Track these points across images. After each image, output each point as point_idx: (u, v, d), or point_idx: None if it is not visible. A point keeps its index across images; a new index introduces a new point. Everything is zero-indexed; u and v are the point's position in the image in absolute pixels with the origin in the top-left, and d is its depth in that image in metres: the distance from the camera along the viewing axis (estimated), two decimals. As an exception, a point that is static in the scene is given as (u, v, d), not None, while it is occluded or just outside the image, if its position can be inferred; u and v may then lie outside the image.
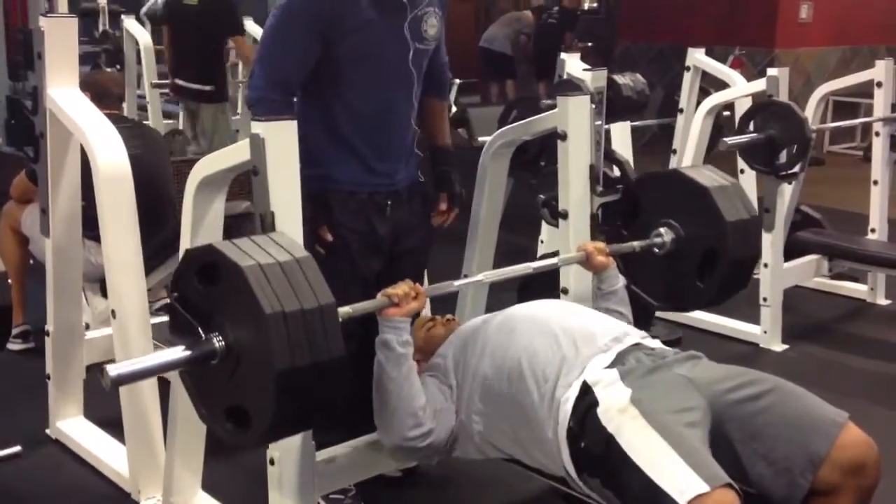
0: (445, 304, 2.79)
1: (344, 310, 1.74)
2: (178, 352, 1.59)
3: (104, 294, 2.92)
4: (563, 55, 4.51)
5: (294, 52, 2.24)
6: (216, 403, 1.63)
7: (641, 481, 1.64)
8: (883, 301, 4.38)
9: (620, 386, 1.80)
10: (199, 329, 1.58)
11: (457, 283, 2.16)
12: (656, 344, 2.02)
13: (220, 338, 1.57)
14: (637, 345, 1.96)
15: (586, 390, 1.83)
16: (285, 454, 1.92)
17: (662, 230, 2.34)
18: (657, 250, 2.35)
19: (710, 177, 2.34)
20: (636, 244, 2.35)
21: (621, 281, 2.30)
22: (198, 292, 1.61)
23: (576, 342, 1.93)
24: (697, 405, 1.78)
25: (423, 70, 2.39)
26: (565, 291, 2.44)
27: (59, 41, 2.50)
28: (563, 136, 2.45)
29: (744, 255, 2.34)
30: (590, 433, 1.78)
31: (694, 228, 2.32)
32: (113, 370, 1.53)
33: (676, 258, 2.34)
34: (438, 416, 2.00)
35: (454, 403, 2.03)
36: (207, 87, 5.29)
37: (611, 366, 1.88)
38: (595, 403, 1.80)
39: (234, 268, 1.52)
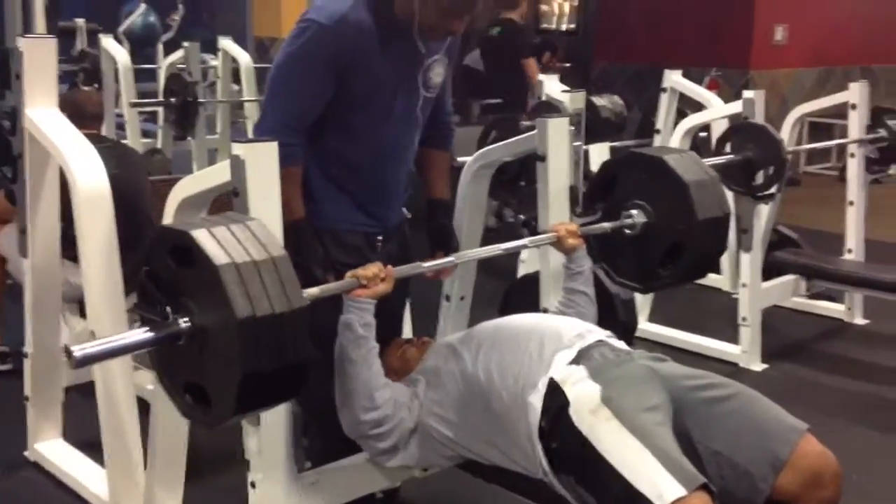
0: (426, 323, 2.79)
1: (311, 291, 1.74)
2: (144, 332, 1.58)
3: (83, 315, 2.90)
4: (541, 76, 4.56)
5: (309, 94, 2.13)
6: (177, 378, 1.63)
7: (619, 484, 1.65)
8: (860, 321, 4.42)
9: (589, 383, 1.81)
10: (168, 308, 1.57)
11: (426, 264, 2.14)
12: (621, 344, 2.04)
13: (187, 320, 1.56)
14: (601, 341, 1.98)
15: (554, 388, 1.84)
16: (267, 477, 1.91)
17: (634, 212, 2.34)
18: (628, 231, 2.36)
19: (692, 168, 2.33)
20: (607, 225, 2.36)
21: (588, 262, 2.34)
22: (169, 270, 1.58)
23: (542, 341, 1.95)
24: (662, 402, 1.80)
25: (426, 118, 2.33)
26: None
27: (38, 62, 2.49)
28: (543, 158, 2.46)
29: (710, 251, 2.38)
30: (562, 434, 1.79)
31: (666, 217, 2.32)
32: (78, 350, 1.51)
33: (644, 241, 2.36)
34: (398, 408, 2.01)
35: (418, 410, 2.04)
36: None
37: (575, 361, 1.89)
38: (566, 403, 1.80)
39: (210, 264, 1.49)
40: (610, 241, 2.40)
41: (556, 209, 2.44)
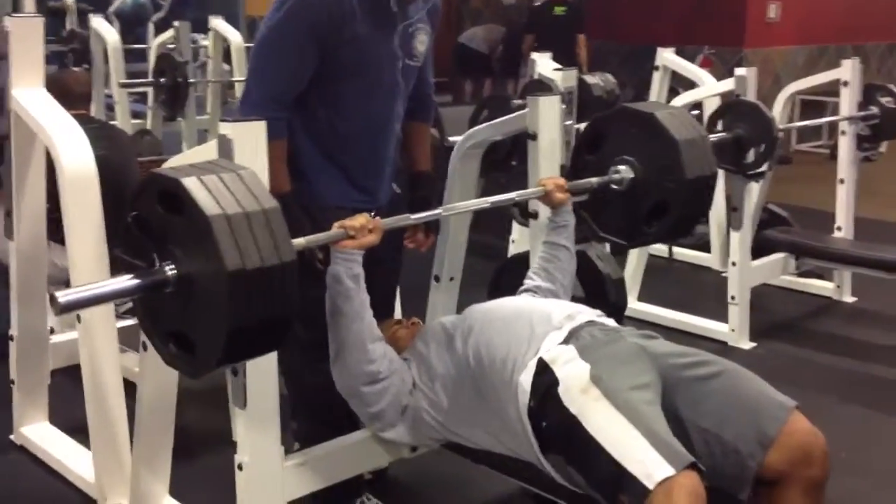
0: (417, 303, 2.78)
1: (298, 241, 1.73)
2: (129, 279, 1.56)
3: (70, 297, 2.88)
4: (533, 55, 4.54)
5: (292, 66, 2.15)
6: (162, 326, 1.62)
7: (607, 464, 1.66)
8: (849, 298, 4.42)
9: (579, 362, 1.82)
10: (154, 255, 1.55)
11: (413, 216, 2.12)
12: (610, 322, 2.04)
13: (174, 268, 1.54)
14: (591, 322, 1.99)
15: (543, 368, 1.85)
16: (253, 459, 1.91)
17: (622, 168, 2.34)
18: (614, 186, 2.35)
19: (682, 127, 2.31)
20: (594, 180, 2.36)
21: (573, 217, 2.35)
22: (157, 217, 1.56)
23: (531, 322, 1.96)
24: (651, 381, 1.81)
25: (411, 85, 2.35)
26: (535, 215, 2.46)
27: (25, 41, 2.46)
28: (534, 136, 2.45)
29: (693, 211, 2.39)
30: (552, 413, 1.80)
31: (654, 175, 2.32)
32: (62, 296, 1.50)
33: (630, 197, 2.35)
34: (393, 370, 2.02)
35: (410, 387, 2.05)
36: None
37: (565, 342, 1.90)
38: (555, 382, 1.81)
39: (201, 214, 1.47)
40: (596, 195, 2.40)
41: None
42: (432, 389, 2.03)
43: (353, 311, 1.95)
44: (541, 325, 1.95)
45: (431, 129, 4.14)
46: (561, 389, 1.79)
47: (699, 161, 2.29)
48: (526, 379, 1.86)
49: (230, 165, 1.61)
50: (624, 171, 2.33)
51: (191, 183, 1.49)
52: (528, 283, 2.34)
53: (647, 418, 1.69)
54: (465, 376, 1.98)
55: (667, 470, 1.59)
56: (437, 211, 2.22)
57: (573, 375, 1.79)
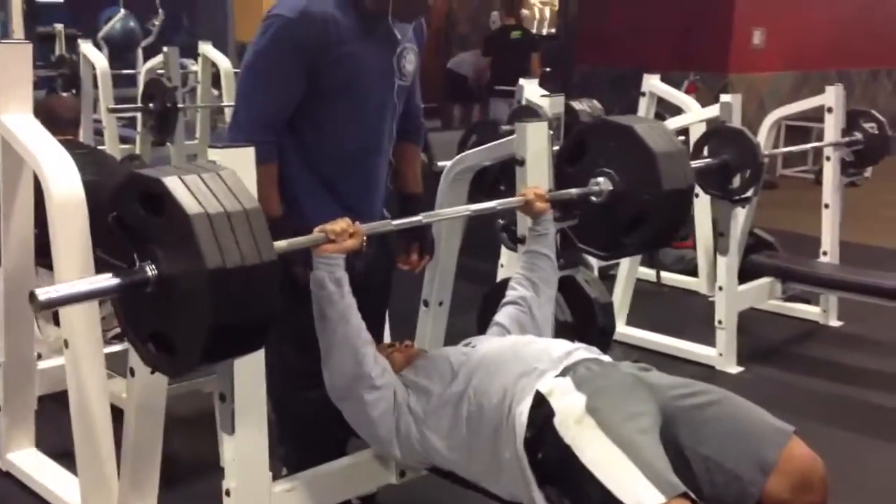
0: (405, 328, 2.78)
1: (280, 244, 1.73)
2: (110, 278, 1.56)
3: (57, 323, 2.87)
4: (521, 81, 4.57)
5: (279, 89, 2.14)
6: (141, 326, 1.62)
7: (599, 493, 1.66)
8: (835, 323, 4.44)
9: (575, 394, 1.82)
10: (135, 255, 1.56)
11: (395, 222, 2.13)
12: (606, 358, 2.05)
13: (154, 267, 1.54)
14: (587, 359, 1.99)
15: (540, 400, 1.85)
16: (241, 485, 1.90)
17: (601, 180, 2.38)
18: (594, 198, 2.39)
19: (659, 140, 2.35)
20: (574, 191, 2.40)
21: (553, 227, 2.38)
22: (137, 217, 1.56)
23: (530, 361, 1.96)
24: (649, 409, 1.81)
25: (401, 107, 2.35)
26: (523, 240, 2.47)
27: (13, 67, 2.46)
28: (522, 162, 2.47)
29: (671, 223, 2.43)
30: (548, 444, 1.80)
31: (632, 187, 2.36)
32: (42, 294, 1.50)
33: (609, 208, 2.39)
34: (388, 381, 2.03)
35: (405, 406, 2.05)
36: None
37: (562, 374, 1.90)
38: (551, 414, 1.81)
39: (182, 213, 1.48)
40: (576, 207, 2.44)
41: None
42: (428, 425, 2.02)
43: (338, 314, 1.96)
44: (539, 363, 1.95)
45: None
46: (557, 420, 1.79)
47: (676, 173, 2.33)
48: (523, 411, 1.86)
49: (211, 166, 1.61)
50: (603, 183, 2.37)
51: (172, 182, 1.50)
52: (510, 293, 2.35)
53: (640, 447, 1.69)
54: (463, 414, 1.97)
55: (657, 498, 1.59)
56: (416, 217, 2.21)
57: (569, 406, 1.80)
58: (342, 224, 1.93)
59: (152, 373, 1.98)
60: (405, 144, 2.47)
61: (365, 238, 2.32)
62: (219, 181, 1.54)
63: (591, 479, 1.68)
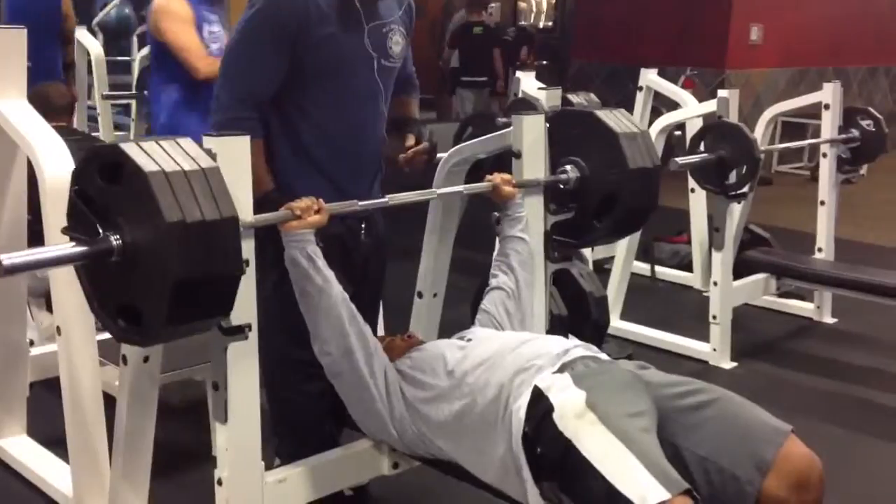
0: (400, 320, 2.78)
1: (247, 220, 1.76)
2: (74, 246, 1.59)
3: (50, 309, 2.86)
4: (518, 73, 4.57)
5: (261, 66, 2.17)
6: (109, 300, 1.64)
7: (602, 487, 1.64)
8: (829, 319, 4.45)
9: (574, 390, 1.81)
10: (98, 226, 1.57)
11: (361, 203, 2.11)
12: (604, 355, 2.05)
13: (118, 237, 1.57)
14: (585, 356, 1.98)
15: (538, 396, 1.83)
16: (234, 475, 1.90)
17: (568, 167, 2.44)
18: (562, 186, 2.44)
19: (621, 122, 2.42)
20: (542, 179, 2.44)
21: (524, 210, 2.40)
22: (99, 189, 1.59)
23: (528, 357, 1.95)
24: (647, 409, 1.80)
25: (390, 87, 2.37)
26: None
27: (7, 52, 2.44)
28: (518, 154, 2.46)
29: (641, 204, 2.47)
30: (546, 439, 1.78)
31: (599, 170, 2.42)
32: (6, 259, 1.53)
33: (579, 196, 2.45)
34: (383, 361, 2.05)
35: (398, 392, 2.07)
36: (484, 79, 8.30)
37: (560, 371, 1.89)
38: (550, 408, 1.79)
39: (138, 172, 1.51)
40: (569, 199, 2.47)
41: (530, 206, 2.44)
42: (424, 409, 2.02)
43: (317, 287, 1.97)
44: (537, 359, 1.94)
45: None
46: (556, 415, 1.77)
47: (641, 153, 2.39)
48: (521, 406, 1.85)
49: (169, 136, 1.65)
50: (571, 171, 2.44)
51: (128, 147, 1.55)
52: (492, 280, 2.38)
53: (643, 444, 1.68)
54: (459, 408, 1.96)
55: (662, 494, 1.57)
56: (383, 199, 2.19)
57: (568, 401, 1.78)
58: (307, 201, 1.96)
59: (145, 361, 1.99)
60: (401, 97, 2.50)
61: (364, 227, 2.33)
62: (176, 146, 1.59)
63: (593, 473, 1.66)
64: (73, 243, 1.59)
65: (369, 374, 2.03)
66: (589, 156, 2.43)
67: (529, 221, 2.43)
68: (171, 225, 1.49)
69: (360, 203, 2.12)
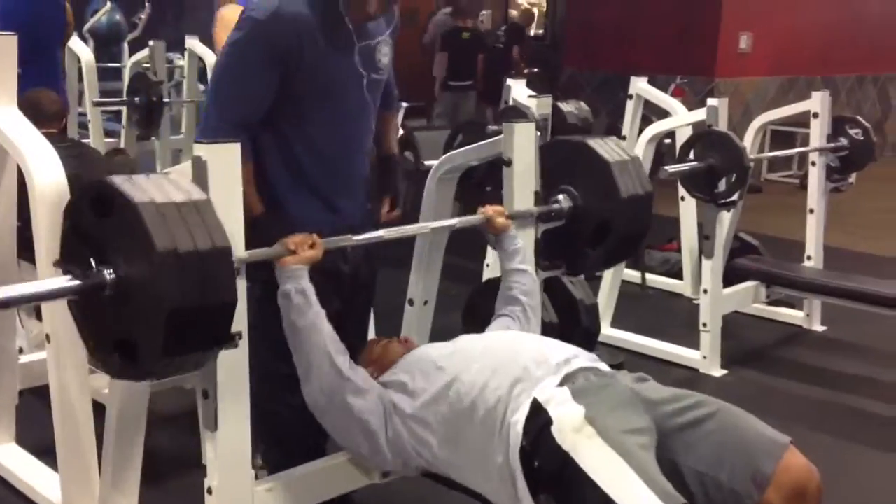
0: (391, 327, 2.77)
1: (241, 255, 1.76)
2: (69, 280, 1.59)
3: (39, 317, 2.85)
4: (509, 81, 4.58)
5: (251, 89, 2.15)
6: (104, 336, 1.64)
7: (600, 500, 1.64)
8: (818, 327, 4.47)
9: (573, 404, 1.80)
10: (91, 260, 1.58)
11: (356, 237, 2.13)
12: (604, 366, 2.04)
13: (111, 270, 1.57)
14: (585, 368, 1.97)
15: (537, 409, 1.83)
16: (223, 483, 1.89)
17: (561, 197, 2.46)
18: (555, 216, 2.46)
19: (612, 150, 2.44)
20: (535, 209, 2.45)
21: (520, 240, 2.39)
22: (91, 223, 1.60)
23: (526, 366, 1.93)
24: (646, 426, 1.80)
25: (378, 99, 2.38)
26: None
27: (-3, 59, 2.44)
28: (508, 162, 2.46)
29: (634, 231, 2.49)
30: (544, 452, 1.78)
31: (591, 198, 2.44)
32: (0, 293, 1.54)
33: (572, 224, 2.47)
34: (371, 386, 2.02)
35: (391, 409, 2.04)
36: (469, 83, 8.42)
37: (560, 384, 1.88)
38: (549, 422, 1.79)
39: (129, 204, 1.52)
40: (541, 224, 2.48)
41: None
42: (420, 414, 1.99)
43: (308, 323, 1.96)
44: (537, 369, 1.92)
45: (406, 154, 4.18)
46: (554, 428, 1.77)
47: (633, 180, 2.41)
48: (518, 420, 1.84)
49: (161, 174, 1.67)
50: (563, 200, 2.45)
51: (118, 179, 1.56)
52: (500, 310, 2.34)
53: (641, 459, 1.68)
54: (454, 416, 1.94)
55: None
56: (378, 233, 2.20)
57: (567, 415, 1.78)
58: (301, 237, 1.96)
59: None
60: (381, 112, 2.49)
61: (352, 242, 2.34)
62: (165, 180, 1.60)
63: (591, 486, 1.66)
64: (69, 276, 1.59)
65: (362, 405, 1.99)
66: (581, 184, 2.44)
67: (522, 229, 2.42)
68: (164, 254, 1.49)
69: (356, 237, 2.13)
